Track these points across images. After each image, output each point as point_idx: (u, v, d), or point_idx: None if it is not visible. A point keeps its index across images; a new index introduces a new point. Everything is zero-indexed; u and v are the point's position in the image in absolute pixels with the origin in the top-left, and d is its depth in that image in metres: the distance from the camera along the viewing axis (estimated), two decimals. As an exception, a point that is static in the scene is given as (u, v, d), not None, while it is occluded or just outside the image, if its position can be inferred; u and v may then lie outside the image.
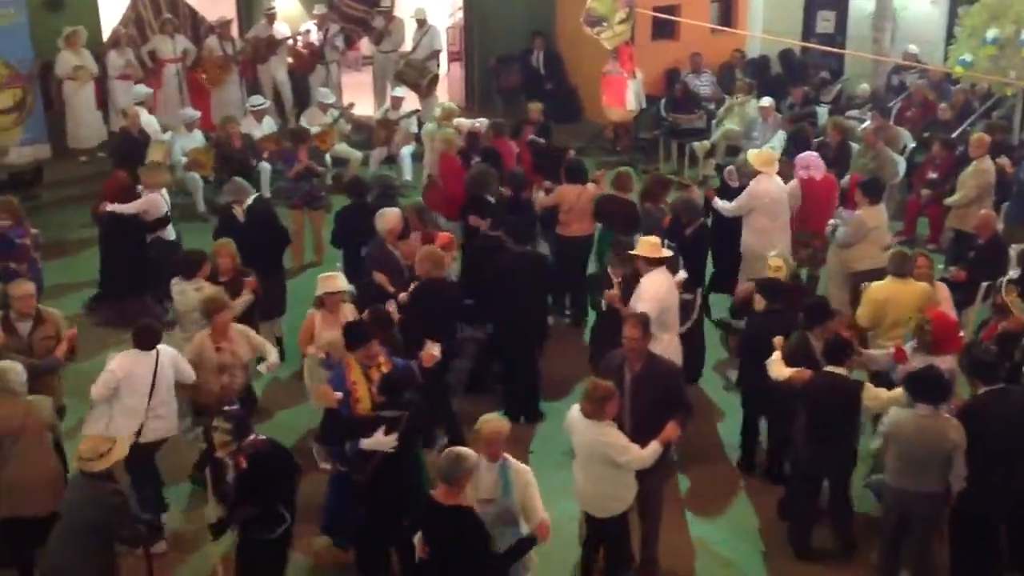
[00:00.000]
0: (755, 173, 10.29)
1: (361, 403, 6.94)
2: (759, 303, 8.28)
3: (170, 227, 10.81)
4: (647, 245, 8.35)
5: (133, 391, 7.46)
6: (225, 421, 6.40)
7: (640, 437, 6.62)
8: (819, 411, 7.26)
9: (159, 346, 7.62)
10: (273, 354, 8.23)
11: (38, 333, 7.90)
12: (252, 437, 6.44)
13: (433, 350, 7.30)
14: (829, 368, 7.28)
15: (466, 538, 5.82)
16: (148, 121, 13.01)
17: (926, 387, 6.75)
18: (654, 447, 6.63)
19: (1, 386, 6.87)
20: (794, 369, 7.39)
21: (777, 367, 7.51)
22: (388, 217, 9.33)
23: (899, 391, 7.04)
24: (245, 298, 8.67)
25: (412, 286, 8.66)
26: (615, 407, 6.51)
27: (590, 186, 10.64)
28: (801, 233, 10.65)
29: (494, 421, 6.28)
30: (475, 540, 5.83)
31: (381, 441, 6.74)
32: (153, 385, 7.49)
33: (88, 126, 14.77)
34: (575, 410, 6.64)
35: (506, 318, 9.13)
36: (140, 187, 10.63)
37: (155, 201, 10.46)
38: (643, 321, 7.04)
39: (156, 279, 10.19)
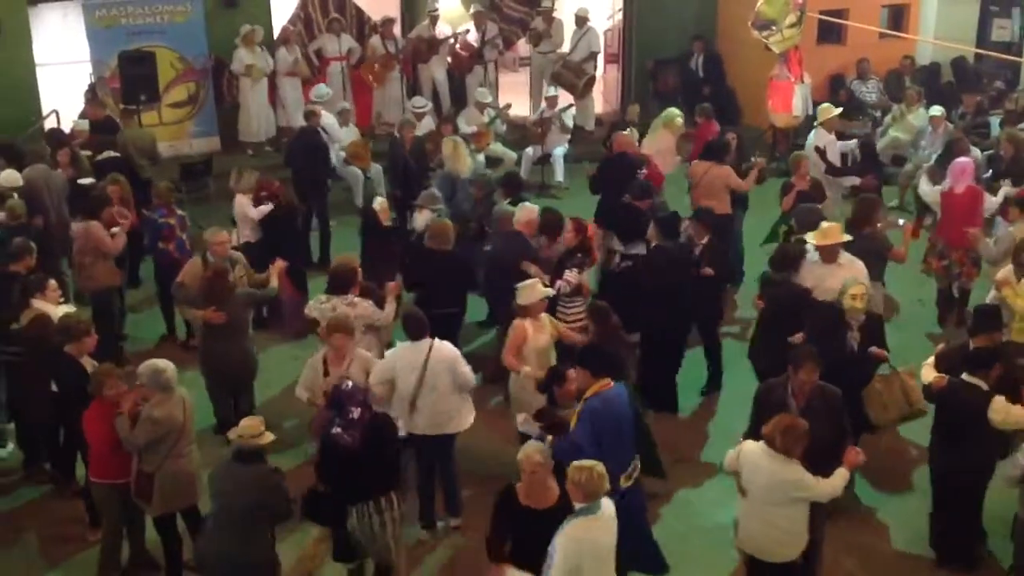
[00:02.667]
0: None
1: None
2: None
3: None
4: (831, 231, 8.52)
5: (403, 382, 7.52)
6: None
7: (813, 468, 6.27)
8: (946, 418, 7.12)
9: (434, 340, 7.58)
10: None
11: (235, 272, 8.82)
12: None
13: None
14: (965, 376, 7.03)
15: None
16: (325, 118, 13.20)
17: None
18: (843, 474, 6.35)
19: (160, 384, 6.85)
20: (936, 375, 7.25)
21: (925, 370, 7.39)
22: (526, 210, 9.59)
23: None
24: (390, 307, 8.54)
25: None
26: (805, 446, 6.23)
27: (725, 168, 10.94)
28: (938, 245, 10.52)
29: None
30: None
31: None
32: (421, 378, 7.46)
33: (259, 122, 15.24)
34: (752, 448, 6.32)
35: (652, 316, 9.08)
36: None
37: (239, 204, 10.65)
38: (820, 365, 6.85)
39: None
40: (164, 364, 6.94)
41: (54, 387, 7.68)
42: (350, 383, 6.78)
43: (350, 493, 6.59)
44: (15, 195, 10.22)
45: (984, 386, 6.99)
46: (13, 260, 8.76)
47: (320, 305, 8.37)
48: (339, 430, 6.53)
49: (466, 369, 7.62)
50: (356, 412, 6.52)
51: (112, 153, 11.71)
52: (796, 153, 11.33)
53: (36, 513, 8.13)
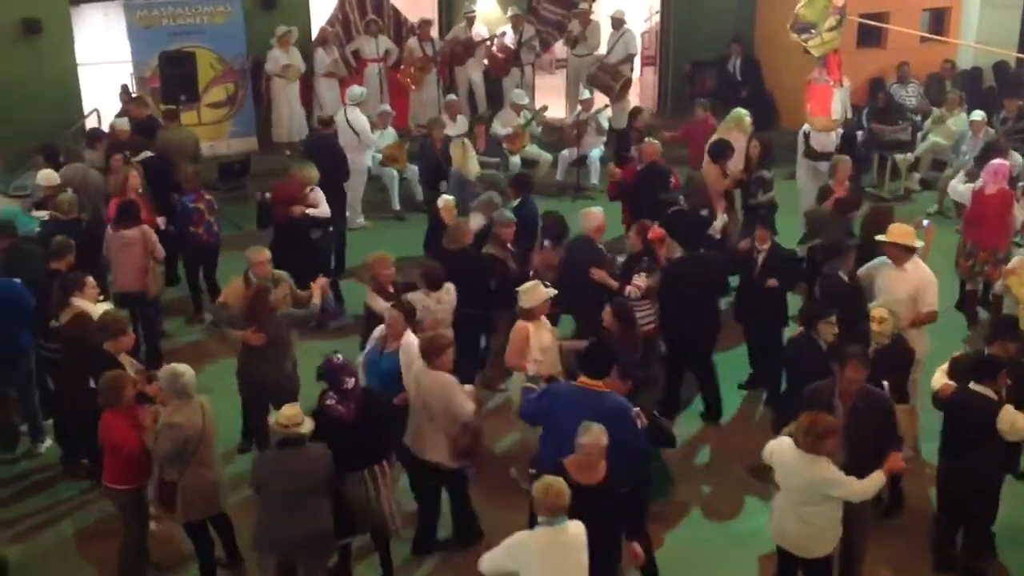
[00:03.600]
0: None
1: None
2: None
3: None
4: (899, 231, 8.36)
5: None
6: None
7: (856, 471, 6.26)
8: (953, 427, 7.04)
9: None
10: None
11: (278, 291, 8.52)
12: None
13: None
14: (973, 385, 6.92)
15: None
16: (358, 119, 13.23)
17: None
18: (877, 477, 6.31)
19: (178, 389, 6.81)
20: (944, 382, 7.18)
21: (937, 375, 7.33)
22: (593, 215, 9.50)
23: None
24: (451, 296, 8.65)
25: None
26: (835, 443, 6.19)
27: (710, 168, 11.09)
28: (967, 245, 10.52)
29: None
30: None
31: None
32: None
33: (291, 122, 15.31)
34: (783, 444, 6.35)
35: (678, 320, 9.02)
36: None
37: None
38: (868, 364, 6.78)
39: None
40: (183, 369, 6.89)
41: (92, 384, 7.73)
42: (340, 356, 6.94)
43: (346, 462, 6.73)
44: (69, 190, 10.32)
45: (992, 395, 6.88)
46: (54, 258, 8.86)
47: (424, 304, 8.47)
48: (333, 401, 6.76)
49: None
50: (350, 383, 6.78)
51: (149, 153, 11.78)
52: (836, 156, 11.27)
53: (73, 509, 8.21)
